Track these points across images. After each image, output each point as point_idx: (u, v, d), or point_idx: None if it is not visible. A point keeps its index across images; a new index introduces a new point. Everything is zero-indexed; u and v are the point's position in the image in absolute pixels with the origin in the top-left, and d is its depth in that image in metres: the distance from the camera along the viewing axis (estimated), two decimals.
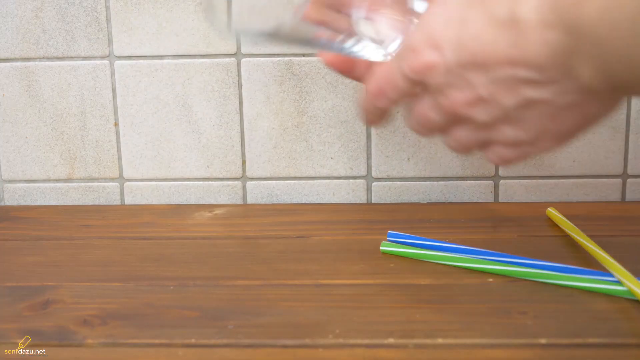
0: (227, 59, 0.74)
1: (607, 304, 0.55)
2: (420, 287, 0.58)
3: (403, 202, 0.76)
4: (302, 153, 0.76)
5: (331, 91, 0.74)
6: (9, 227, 0.71)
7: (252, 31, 0.49)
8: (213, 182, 0.77)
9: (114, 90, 0.74)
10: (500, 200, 0.76)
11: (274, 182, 0.77)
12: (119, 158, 0.76)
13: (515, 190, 0.76)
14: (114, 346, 0.51)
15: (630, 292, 0.55)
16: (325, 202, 0.77)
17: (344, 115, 0.75)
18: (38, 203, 0.77)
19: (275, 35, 0.48)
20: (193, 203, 0.77)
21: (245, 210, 0.74)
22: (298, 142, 0.75)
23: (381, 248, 0.64)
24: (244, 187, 0.77)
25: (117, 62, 0.74)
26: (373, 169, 0.75)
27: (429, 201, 0.76)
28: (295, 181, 0.76)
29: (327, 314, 0.54)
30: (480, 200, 0.76)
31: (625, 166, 0.75)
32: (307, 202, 0.77)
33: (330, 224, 0.70)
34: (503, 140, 0.48)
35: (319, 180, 0.76)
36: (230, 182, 0.77)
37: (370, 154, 0.75)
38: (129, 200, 0.78)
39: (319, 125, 0.75)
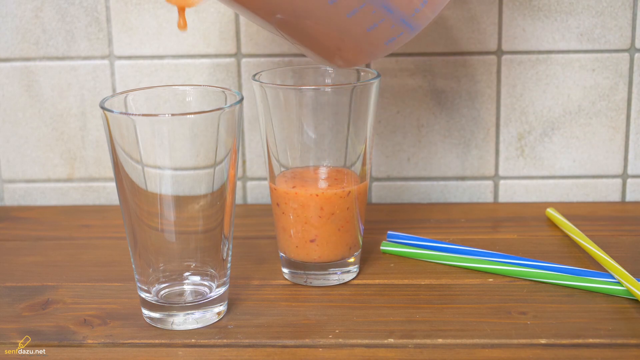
0: (227, 59, 0.74)
1: (607, 304, 0.55)
2: (420, 287, 0.58)
3: (403, 202, 0.76)
4: None
5: None
6: (9, 227, 0.71)
7: None
8: None
9: (114, 90, 0.74)
10: (500, 200, 0.76)
11: None
12: None
13: (515, 190, 0.76)
14: (114, 346, 0.51)
15: (629, 292, 0.55)
16: None
17: None
18: (38, 203, 0.77)
19: None
20: None
21: (245, 210, 0.74)
22: None
23: (381, 248, 0.64)
24: (244, 187, 0.77)
25: (117, 62, 0.74)
26: (373, 169, 0.75)
27: (429, 201, 0.76)
28: None
29: (327, 314, 0.54)
30: (480, 200, 0.76)
31: (625, 166, 0.75)
32: None
33: None
34: None
35: None
36: None
37: (371, 154, 0.75)
38: None
39: None
